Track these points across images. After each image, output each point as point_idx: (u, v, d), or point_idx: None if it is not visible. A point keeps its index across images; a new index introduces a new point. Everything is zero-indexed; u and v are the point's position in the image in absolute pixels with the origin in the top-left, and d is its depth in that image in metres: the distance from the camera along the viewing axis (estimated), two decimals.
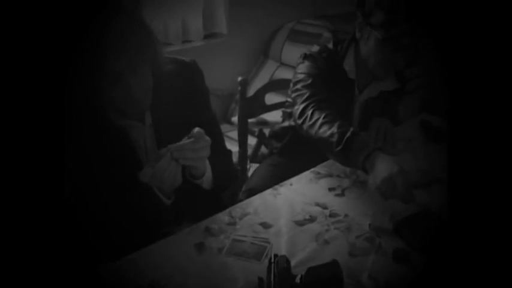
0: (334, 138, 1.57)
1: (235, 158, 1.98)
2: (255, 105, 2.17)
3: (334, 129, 1.59)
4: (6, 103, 1.09)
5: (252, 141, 2.26)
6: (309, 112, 1.69)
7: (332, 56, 1.84)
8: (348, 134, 1.56)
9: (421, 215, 1.42)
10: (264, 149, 2.23)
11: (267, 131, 2.20)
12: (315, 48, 1.86)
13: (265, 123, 2.58)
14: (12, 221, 1.09)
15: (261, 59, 3.56)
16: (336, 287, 1.13)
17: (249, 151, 2.25)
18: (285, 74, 3.14)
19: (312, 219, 1.46)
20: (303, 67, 1.83)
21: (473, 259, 1.00)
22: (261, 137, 2.24)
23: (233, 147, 1.76)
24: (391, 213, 1.42)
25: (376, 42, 1.72)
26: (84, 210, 1.36)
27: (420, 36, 1.67)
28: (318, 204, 1.53)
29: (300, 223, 1.44)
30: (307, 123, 1.68)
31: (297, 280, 1.13)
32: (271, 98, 2.22)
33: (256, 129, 2.29)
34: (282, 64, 3.44)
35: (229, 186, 1.61)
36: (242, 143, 2.19)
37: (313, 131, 1.65)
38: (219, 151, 1.49)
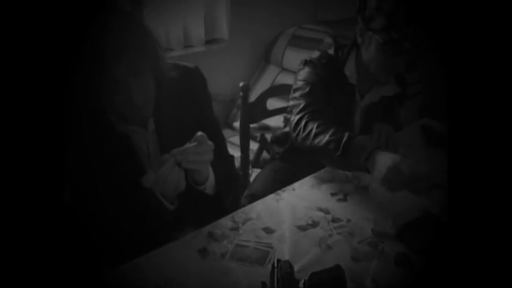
0: (331, 146, 1.59)
1: (237, 163, 1.99)
2: (256, 111, 2.18)
3: (328, 137, 1.61)
4: (5, 106, 1.09)
5: (253, 146, 2.26)
6: (302, 124, 1.71)
7: (332, 62, 1.85)
8: (344, 138, 1.58)
9: (423, 219, 1.42)
10: (265, 154, 2.24)
11: (268, 136, 2.21)
12: (315, 54, 1.87)
13: (267, 128, 2.59)
14: (13, 224, 1.09)
15: (262, 64, 3.57)
16: None
17: (251, 156, 2.25)
18: (287, 79, 3.15)
19: (314, 224, 1.46)
20: (303, 73, 1.84)
21: (474, 263, 1.00)
22: (262, 142, 2.25)
23: (235, 152, 1.77)
24: (393, 218, 1.42)
25: (377, 47, 1.73)
26: (86, 214, 1.36)
27: (420, 39, 1.68)
28: (320, 209, 1.53)
29: (302, 228, 1.45)
30: (301, 135, 1.70)
31: (300, 285, 1.13)
32: (273, 103, 2.22)
33: (258, 135, 2.30)
34: (284, 69, 3.45)
35: (232, 191, 1.62)
36: (244, 148, 2.19)
37: (308, 142, 1.67)
38: (221, 156, 1.50)
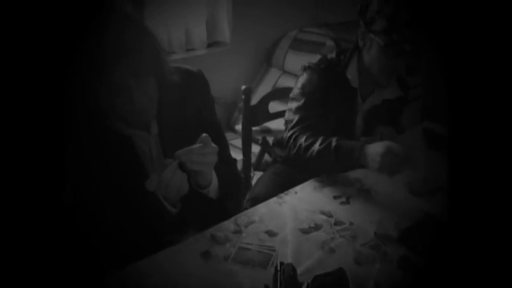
0: (323, 154, 1.68)
1: (239, 166, 1.99)
2: (258, 114, 2.17)
3: (318, 146, 1.70)
4: (5, 108, 1.10)
5: (255, 149, 2.26)
6: (292, 140, 1.79)
7: (332, 67, 1.86)
8: (333, 144, 1.68)
9: (426, 222, 1.42)
10: (267, 157, 2.24)
11: (270, 139, 2.21)
12: (316, 58, 1.89)
13: (268, 131, 2.59)
14: (13, 226, 1.09)
15: (264, 67, 3.58)
16: None
17: (253, 159, 2.25)
18: (288, 82, 3.15)
19: (317, 227, 1.46)
20: (301, 80, 1.87)
21: (477, 266, 1.00)
22: (264, 145, 2.25)
23: (237, 155, 1.77)
24: (395, 222, 1.42)
25: (378, 49, 1.74)
26: (89, 217, 1.37)
27: (421, 41, 1.69)
28: (323, 213, 1.53)
29: (305, 231, 1.45)
30: (293, 152, 1.78)
31: None
32: (274, 106, 2.22)
33: (259, 138, 2.30)
34: (285, 72, 3.46)
35: (234, 194, 1.62)
36: (246, 151, 2.19)
37: (301, 156, 1.75)
38: (224, 159, 1.50)
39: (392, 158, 1.56)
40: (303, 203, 1.58)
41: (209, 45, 3.33)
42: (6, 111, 1.12)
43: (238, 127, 2.87)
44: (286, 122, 1.85)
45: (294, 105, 1.85)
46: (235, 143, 2.66)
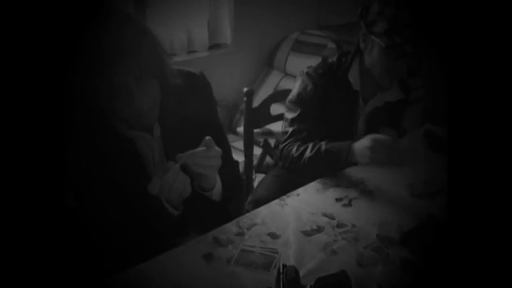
0: (315, 160, 1.73)
1: (240, 168, 1.99)
2: (260, 116, 2.18)
3: (309, 153, 1.75)
4: (4, 110, 1.10)
5: (257, 151, 2.26)
6: (284, 152, 1.85)
7: (331, 70, 1.87)
8: (322, 148, 1.72)
9: (428, 225, 1.42)
10: (269, 159, 2.24)
11: (272, 142, 2.22)
12: (316, 62, 1.90)
13: (270, 133, 2.59)
14: (14, 227, 1.09)
15: (266, 70, 3.58)
16: None
17: (254, 161, 2.26)
18: (290, 84, 3.12)
19: (319, 230, 1.46)
20: (297, 87, 1.90)
21: (479, 268, 1.00)
22: (266, 147, 2.25)
23: (238, 157, 1.77)
24: (397, 224, 1.42)
25: (379, 51, 1.75)
26: (91, 219, 1.37)
27: (422, 43, 1.70)
28: (325, 215, 1.53)
29: (307, 233, 1.45)
30: (287, 163, 1.84)
31: None
32: (276, 109, 2.23)
33: (261, 140, 2.30)
34: (287, 74, 3.46)
35: (236, 197, 1.62)
36: (247, 153, 2.19)
37: (295, 165, 1.80)
38: (226, 162, 1.50)
39: (380, 149, 1.59)
40: (305, 205, 1.58)
41: (211, 47, 3.33)
42: (6, 113, 1.12)
43: (240, 129, 2.87)
44: (282, 133, 1.90)
45: (289, 115, 1.90)
46: (236, 145, 2.66)
